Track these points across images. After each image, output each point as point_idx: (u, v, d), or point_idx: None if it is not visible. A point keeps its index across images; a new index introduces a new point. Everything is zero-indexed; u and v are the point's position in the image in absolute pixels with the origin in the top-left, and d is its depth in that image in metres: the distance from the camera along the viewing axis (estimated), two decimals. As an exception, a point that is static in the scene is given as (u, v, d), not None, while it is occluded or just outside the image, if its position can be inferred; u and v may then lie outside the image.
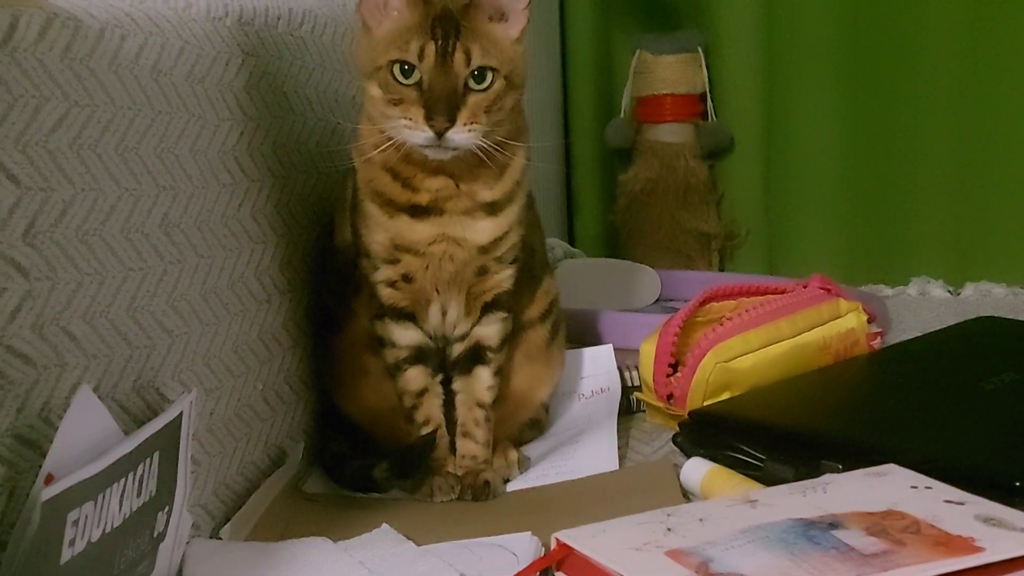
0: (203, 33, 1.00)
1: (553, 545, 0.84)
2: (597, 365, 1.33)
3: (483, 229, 1.05)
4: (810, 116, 1.99)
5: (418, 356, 1.11)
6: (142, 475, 0.75)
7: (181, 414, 0.81)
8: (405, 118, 0.97)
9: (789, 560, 0.75)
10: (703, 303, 1.32)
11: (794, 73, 1.99)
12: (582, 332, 1.46)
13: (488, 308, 1.10)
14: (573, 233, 2.20)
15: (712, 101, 2.05)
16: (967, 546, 0.76)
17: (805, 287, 1.35)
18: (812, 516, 0.82)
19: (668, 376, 1.23)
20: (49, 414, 0.75)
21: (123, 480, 0.72)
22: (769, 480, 1.00)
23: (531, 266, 1.17)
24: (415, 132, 0.97)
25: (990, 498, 0.84)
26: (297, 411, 1.15)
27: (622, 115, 2.10)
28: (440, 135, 0.97)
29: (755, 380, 1.22)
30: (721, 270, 2.07)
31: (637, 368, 1.28)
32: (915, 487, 0.88)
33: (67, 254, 0.79)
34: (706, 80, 2.04)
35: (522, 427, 1.21)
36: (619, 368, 1.32)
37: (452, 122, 0.96)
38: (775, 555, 0.76)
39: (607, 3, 2.13)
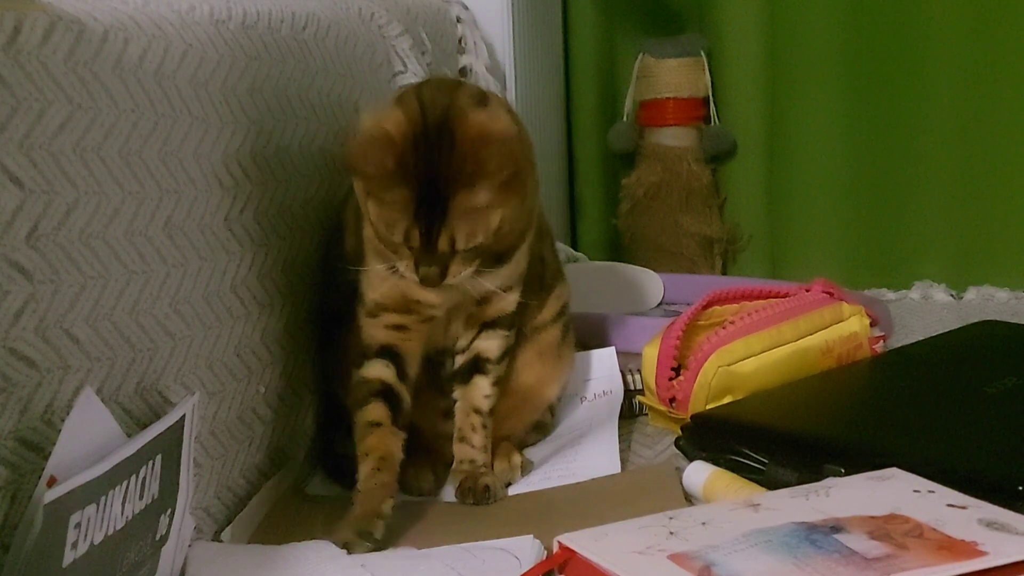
0: (206, 37, 1.00)
1: (555, 548, 0.84)
2: (600, 368, 1.33)
3: (489, 279, 1.04)
4: (813, 120, 2.00)
5: (385, 393, 1.07)
6: (144, 478, 0.75)
7: (184, 417, 0.81)
8: (399, 261, 0.98)
9: (792, 564, 0.75)
10: (706, 307, 1.32)
11: (797, 77, 2.00)
12: (585, 335, 1.46)
13: (490, 325, 1.11)
14: (576, 237, 2.20)
15: (715, 105, 2.05)
16: (970, 550, 0.76)
17: (808, 291, 1.35)
18: (815, 520, 0.82)
19: (671, 380, 1.23)
20: (52, 417, 0.75)
21: (125, 483, 0.72)
22: (772, 484, 1.00)
23: (541, 276, 1.17)
24: (408, 274, 0.98)
25: (993, 502, 0.84)
26: (299, 414, 1.15)
27: (625, 119, 2.10)
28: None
29: (757, 384, 1.22)
30: (724, 274, 2.07)
31: (640, 371, 1.28)
32: (918, 491, 0.88)
33: (70, 257, 0.79)
34: (709, 84, 2.05)
35: (527, 429, 1.21)
36: (622, 371, 1.32)
37: (443, 278, 0.97)
38: (778, 559, 0.76)
39: (610, 7, 2.14)
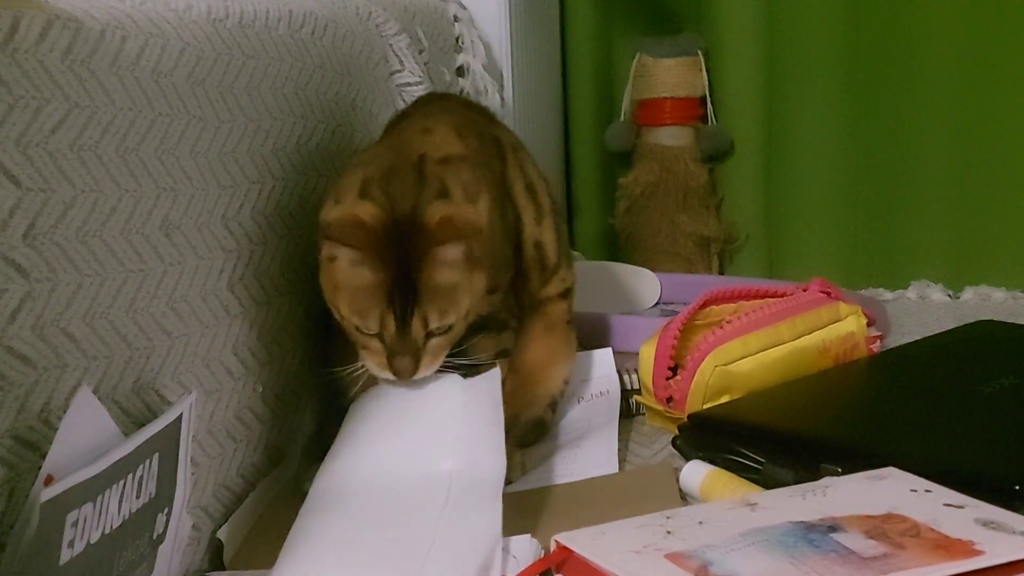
0: (204, 35, 1.00)
1: (552, 547, 0.84)
2: (597, 368, 1.33)
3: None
4: (810, 120, 2.00)
5: None
6: (141, 477, 0.75)
7: (181, 416, 0.81)
8: (369, 358, 1.00)
9: (789, 563, 0.75)
10: (703, 306, 1.32)
11: (794, 77, 2.00)
12: (582, 335, 1.45)
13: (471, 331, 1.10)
14: (573, 236, 2.20)
15: (712, 104, 2.05)
16: (967, 549, 0.76)
17: (805, 290, 1.35)
18: (812, 519, 0.82)
19: (668, 379, 1.23)
20: (49, 415, 0.75)
21: (122, 481, 0.72)
22: (769, 483, 1.00)
23: (541, 261, 1.19)
24: (380, 371, 1.01)
25: (990, 501, 0.84)
26: (297, 413, 1.15)
27: (622, 118, 2.10)
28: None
29: (754, 383, 1.22)
30: (721, 273, 2.07)
31: (637, 371, 1.28)
32: (915, 490, 0.88)
33: (67, 255, 0.79)
34: (706, 84, 2.04)
35: (531, 422, 1.20)
36: (619, 371, 1.32)
37: (416, 370, 0.99)
38: (775, 558, 0.76)
39: (608, 7, 2.14)
